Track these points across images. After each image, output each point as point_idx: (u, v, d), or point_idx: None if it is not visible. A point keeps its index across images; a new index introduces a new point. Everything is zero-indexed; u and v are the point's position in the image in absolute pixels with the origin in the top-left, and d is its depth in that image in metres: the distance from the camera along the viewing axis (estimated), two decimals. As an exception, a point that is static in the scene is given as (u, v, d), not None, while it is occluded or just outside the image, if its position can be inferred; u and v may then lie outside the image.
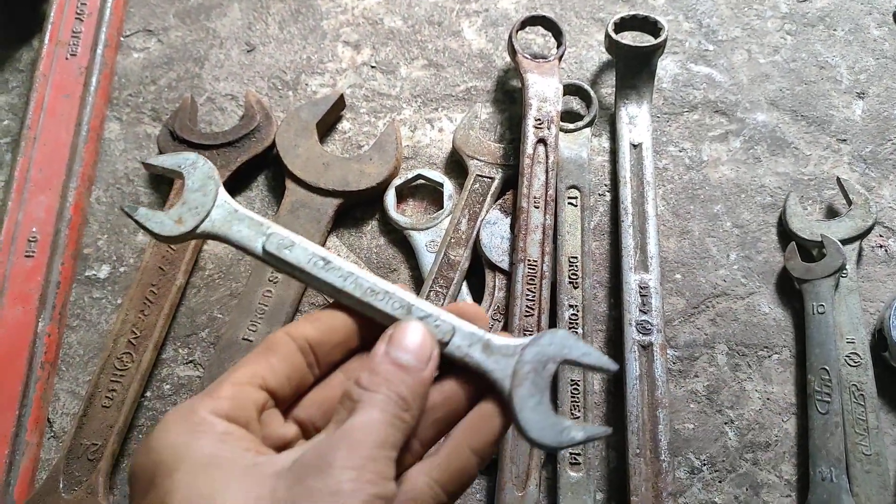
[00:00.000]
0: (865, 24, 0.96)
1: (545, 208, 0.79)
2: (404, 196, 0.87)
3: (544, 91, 0.84)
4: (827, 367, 0.73)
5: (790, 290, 0.80)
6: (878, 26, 0.96)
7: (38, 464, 0.73)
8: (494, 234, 0.80)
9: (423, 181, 0.86)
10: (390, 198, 0.84)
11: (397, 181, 0.85)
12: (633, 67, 0.88)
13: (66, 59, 0.91)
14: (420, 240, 0.82)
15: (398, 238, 0.84)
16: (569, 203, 0.82)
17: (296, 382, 0.44)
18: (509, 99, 0.92)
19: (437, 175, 0.85)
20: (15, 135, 0.90)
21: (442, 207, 0.84)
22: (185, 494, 0.36)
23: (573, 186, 0.83)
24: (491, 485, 0.71)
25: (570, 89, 0.89)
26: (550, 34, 0.91)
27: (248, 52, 0.97)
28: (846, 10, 0.97)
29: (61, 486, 0.68)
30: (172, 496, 0.36)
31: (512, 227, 0.80)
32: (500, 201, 0.83)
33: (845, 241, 0.78)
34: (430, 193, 0.87)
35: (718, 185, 0.86)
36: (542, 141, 0.82)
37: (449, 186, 0.85)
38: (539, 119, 0.82)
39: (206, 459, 0.38)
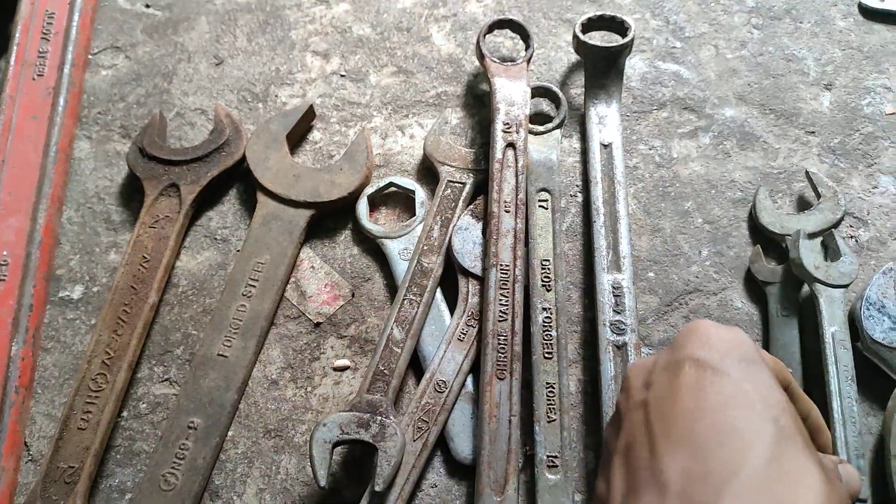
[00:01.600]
0: (831, 16, 0.97)
1: (516, 212, 0.79)
2: (377, 204, 0.87)
3: (512, 95, 0.84)
4: (790, 370, 0.74)
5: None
6: (844, 17, 0.96)
7: (16, 488, 0.72)
8: (466, 240, 0.80)
9: (394, 189, 0.86)
10: (363, 207, 0.84)
11: (369, 190, 0.85)
12: (601, 67, 0.88)
13: (34, 79, 0.91)
14: (393, 248, 0.82)
15: (372, 247, 0.84)
16: (540, 206, 0.82)
17: None
18: (479, 103, 0.93)
19: (408, 182, 0.85)
20: (-16, 157, 0.89)
21: (414, 215, 0.84)
22: None
23: (544, 189, 0.83)
24: (469, 490, 0.72)
25: (539, 91, 0.89)
26: (519, 37, 0.91)
27: (217, 65, 0.96)
28: (812, 2, 0.98)
29: (38, 510, 0.68)
30: None
31: (484, 232, 0.80)
32: (471, 207, 0.83)
33: (815, 234, 0.79)
34: (402, 201, 0.87)
35: (689, 182, 0.86)
36: (511, 145, 0.82)
37: (421, 193, 0.85)
38: (507, 123, 0.82)
39: None
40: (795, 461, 0.40)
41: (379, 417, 0.70)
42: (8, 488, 0.71)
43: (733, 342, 0.46)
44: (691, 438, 0.41)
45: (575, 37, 0.87)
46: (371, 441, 0.68)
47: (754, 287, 0.80)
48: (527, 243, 0.80)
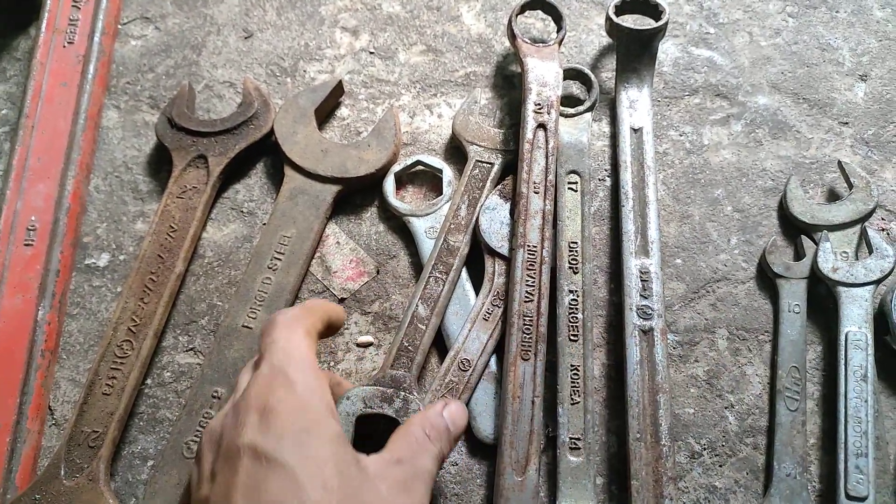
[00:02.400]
0: (868, 6, 0.95)
1: (545, 193, 0.78)
2: (403, 182, 0.86)
3: (544, 76, 0.84)
4: (797, 366, 0.74)
5: (791, 275, 0.79)
6: (882, 7, 0.95)
7: (40, 451, 0.73)
8: (494, 220, 0.80)
9: (422, 167, 0.86)
10: (389, 184, 0.84)
11: (396, 167, 0.85)
12: (633, 51, 0.87)
13: (64, 47, 0.90)
14: (419, 226, 0.82)
15: (397, 224, 0.84)
16: (569, 188, 0.81)
17: None
18: (508, 84, 0.92)
19: (436, 161, 0.85)
20: (13, 124, 0.90)
21: (441, 193, 0.83)
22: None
23: (573, 171, 0.82)
24: (490, 469, 0.71)
25: (571, 74, 0.89)
26: (550, 18, 0.90)
27: (246, 38, 0.96)
28: (849, -8, 0.96)
29: (62, 472, 0.68)
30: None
31: (511, 212, 0.80)
32: (499, 187, 0.82)
33: (846, 225, 0.78)
34: (429, 179, 0.86)
35: (719, 170, 0.86)
36: (541, 126, 0.81)
37: (448, 172, 0.84)
38: (539, 104, 0.82)
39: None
40: None
41: (402, 393, 0.70)
42: (32, 450, 0.72)
43: (294, 411, 0.47)
44: None
45: (608, 19, 0.86)
46: (394, 416, 0.68)
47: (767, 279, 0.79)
48: (555, 225, 0.79)
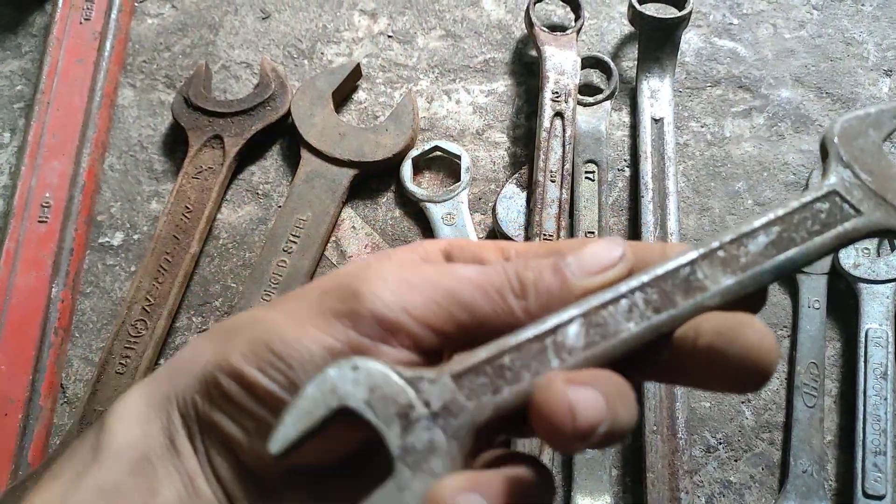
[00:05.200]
0: (894, 0, 0.94)
1: (561, 182, 0.77)
2: (420, 168, 0.86)
3: (562, 64, 0.83)
4: (816, 363, 0.73)
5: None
6: (909, 2, 0.93)
7: (52, 429, 0.73)
8: (510, 209, 0.79)
9: (439, 153, 0.85)
10: (407, 169, 0.83)
11: (414, 152, 0.84)
12: (656, 40, 0.86)
13: (80, 23, 0.90)
14: (436, 212, 0.81)
15: (414, 210, 0.83)
16: (586, 177, 0.80)
17: None
18: (528, 71, 0.91)
19: (454, 147, 0.84)
20: (28, 100, 0.89)
21: (458, 179, 0.83)
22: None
23: (591, 161, 0.81)
24: (504, 459, 0.71)
25: (591, 62, 0.88)
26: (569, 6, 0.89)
27: (264, 19, 0.95)
28: (875, -15, 0.95)
29: (75, 451, 0.68)
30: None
31: (528, 201, 0.79)
32: (516, 175, 0.81)
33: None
34: (446, 166, 0.86)
35: (740, 162, 0.85)
36: (559, 114, 0.80)
37: (466, 158, 0.83)
38: (556, 92, 0.81)
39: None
40: None
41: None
42: (44, 428, 0.72)
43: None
44: None
45: (630, 7, 0.85)
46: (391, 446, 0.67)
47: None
48: (571, 214, 0.78)
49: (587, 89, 0.88)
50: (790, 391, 0.73)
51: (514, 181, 0.81)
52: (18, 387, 0.71)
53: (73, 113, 0.85)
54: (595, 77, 0.90)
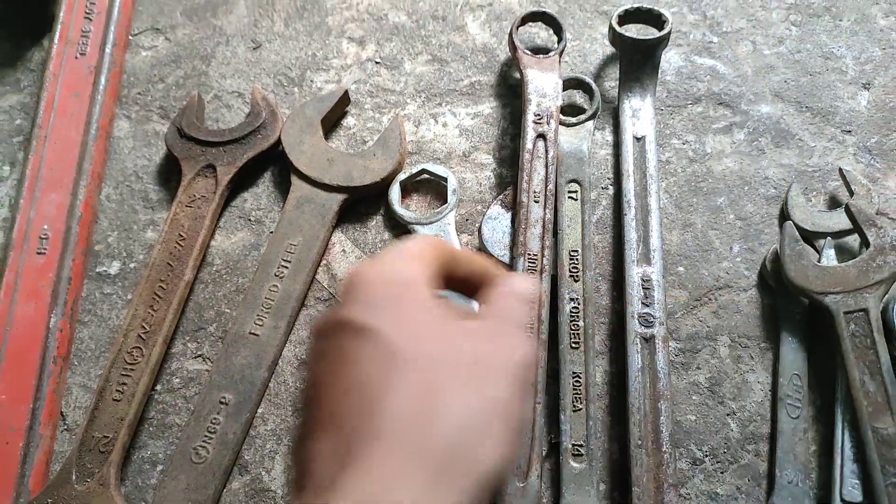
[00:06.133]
0: (872, 14, 0.95)
1: (545, 202, 0.79)
2: (408, 191, 0.88)
3: (544, 87, 0.85)
4: (799, 374, 0.74)
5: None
6: (885, 16, 0.95)
7: (52, 456, 0.75)
8: (496, 229, 0.81)
9: (427, 176, 0.87)
10: (395, 192, 0.85)
11: (402, 176, 0.86)
12: (636, 60, 0.88)
13: (76, 58, 0.92)
14: (424, 234, 0.83)
15: (403, 233, 0.85)
16: (569, 197, 0.82)
17: None
18: (512, 93, 0.93)
19: (441, 170, 0.86)
20: (27, 134, 0.92)
21: (445, 202, 0.84)
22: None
23: (574, 180, 0.83)
24: (494, 476, 0.72)
25: (573, 83, 0.90)
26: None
27: (255, 49, 0.98)
28: (852, 0, 0.96)
29: (74, 477, 0.69)
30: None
31: (513, 221, 0.81)
32: (500, 197, 0.83)
33: (847, 232, 0.79)
34: (434, 188, 0.88)
35: (722, 178, 0.86)
36: (541, 136, 0.82)
37: (453, 181, 0.85)
38: (538, 114, 0.83)
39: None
40: (434, 392, 0.39)
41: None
42: (45, 455, 0.74)
43: (380, 282, 0.44)
44: (334, 413, 0.40)
45: (611, 28, 0.87)
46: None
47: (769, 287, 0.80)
48: (555, 234, 0.80)
49: (570, 109, 0.90)
50: (774, 403, 0.75)
51: (499, 202, 0.83)
52: (19, 415, 0.73)
53: (69, 146, 0.87)
54: (578, 97, 0.92)
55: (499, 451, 0.39)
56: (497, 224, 0.81)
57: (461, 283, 0.50)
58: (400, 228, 0.85)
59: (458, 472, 0.37)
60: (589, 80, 0.89)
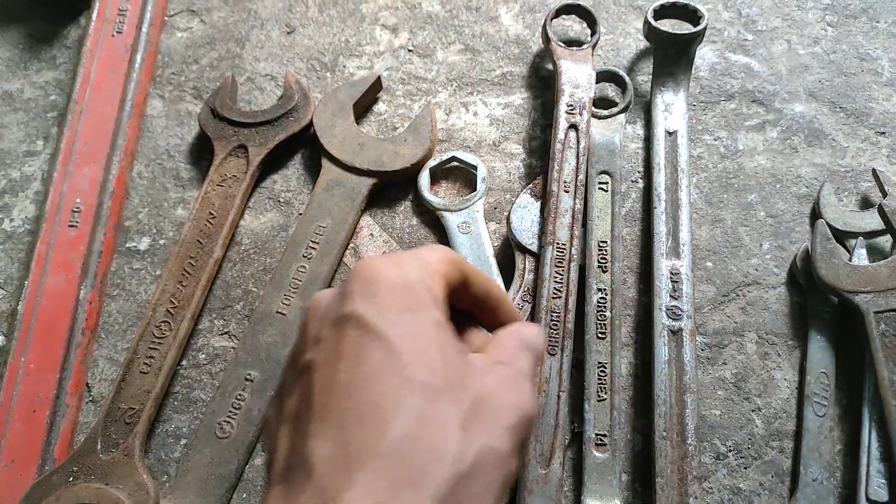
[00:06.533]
0: (909, 17, 0.95)
1: (575, 193, 0.79)
2: (437, 178, 0.88)
3: (577, 78, 0.85)
4: (826, 373, 0.74)
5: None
6: (923, 18, 0.94)
7: (77, 426, 0.75)
8: (525, 218, 0.81)
9: (456, 164, 0.87)
10: (424, 179, 0.85)
11: (431, 163, 0.86)
12: (671, 55, 0.88)
13: (112, 36, 0.93)
14: (452, 221, 0.83)
15: (430, 219, 0.85)
16: (599, 188, 0.82)
17: None
18: (544, 84, 0.93)
19: (470, 158, 0.86)
20: (62, 109, 0.93)
21: (475, 189, 0.84)
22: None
23: (604, 172, 0.83)
24: (516, 463, 0.72)
25: (606, 76, 0.89)
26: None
27: (288, 33, 0.98)
28: (889, 2, 0.96)
29: (99, 447, 0.70)
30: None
31: (542, 210, 0.81)
32: (530, 186, 0.83)
33: (879, 232, 0.78)
34: (463, 176, 0.88)
35: (753, 175, 0.86)
36: (573, 126, 0.82)
37: (482, 169, 0.85)
38: (571, 105, 0.83)
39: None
40: (439, 423, 0.39)
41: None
42: (70, 425, 0.74)
43: (399, 288, 0.44)
44: (340, 417, 0.39)
45: (646, 23, 0.87)
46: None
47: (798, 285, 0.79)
48: (584, 224, 0.80)
49: (602, 102, 0.90)
50: (800, 400, 0.74)
51: (529, 191, 0.83)
52: (46, 385, 0.74)
53: (104, 122, 0.88)
54: (610, 91, 0.92)
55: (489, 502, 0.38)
56: (526, 213, 0.81)
57: (469, 303, 0.50)
58: (428, 214, 0.85)
59: None
60: (622, 72, 0.89)
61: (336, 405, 0.39)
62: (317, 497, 0.36)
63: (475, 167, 0.86)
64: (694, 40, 0.86)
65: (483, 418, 0.40)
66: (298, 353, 0.45)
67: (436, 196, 0.85)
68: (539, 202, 0.82)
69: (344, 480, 0.36)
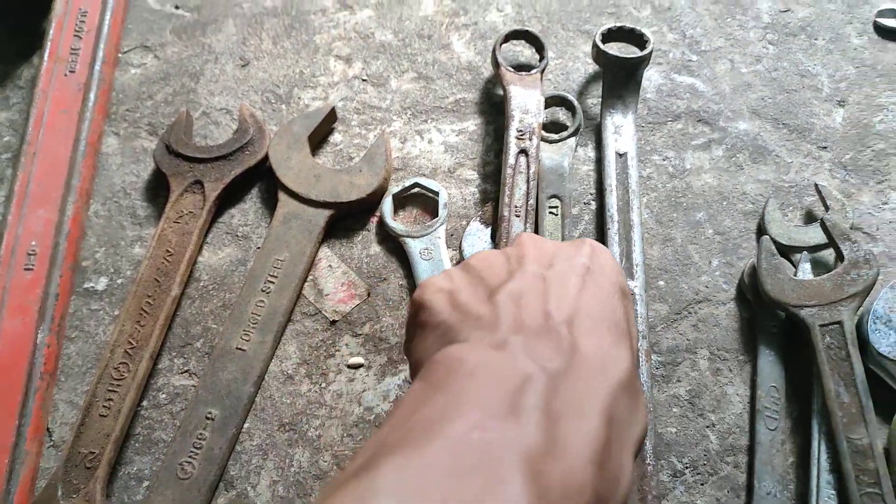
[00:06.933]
0: (846, 34, 0.98)
1: (526, 217, 0.81)
2: (396, 205, 0.89)
3: (526, 103, 0.86)
4: (776, 386, 0.76)
5: (771, 296, 0.81)
6: (859, 35, 0.98)
7: (38, 472, 0.75)
8: (475, 245, 0.82)
9: (416, 190, 0.88)
10: (387, 206, 0.86)
11: (394, 189, 0.87)
12: (619, 78, 0.90)
13: (65, 75, 0.93)
14: (415, 247, 0.84)
15: (390, 248, 0.86)
16: (550, 212, 0.83)
17: None
18: (496, 110, 0.95)
19: (433, 184, 0.87)
20: (15, 150, 0.92)
21: (436, 216, 0.86)
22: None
23: (554, 196, 0.84)
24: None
25: (556, 100, 0.91)
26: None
27: (243, 66, 0.99)
28: (827, 20, 0.99)
29: (60, 493, 0.70)
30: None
31: (493, 236, 0.82)
32: (479, 213, 0.85)
33: (822, 246, 0.80)
34: (421, 203, 0.89)
35: (701, 193, 0.88)
36: (523, 151, 0.84)
37: (444, 195, 0.87)
38: (521, 130, 0.85)
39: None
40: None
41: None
42: (30, 472, 0.74)
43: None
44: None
45: (594, 46, 0.89)
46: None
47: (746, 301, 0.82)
48: (540, 249, 0.81)
49: (554, 126, 0.92)
50: (752, 415, 0.76)
51: (478, 218, 0.84)
52: (5, 431, 0.73)
53: (58, 162, 0.88)
54: (561, 115, 0.93)
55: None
56: (476, 240, 0.83)
57: None
58: (386, 243, 0.86)
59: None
60: (571, 97, 0.91)
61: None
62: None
63: (437, 193, 0.87)
64: (641, 63, 0.89)
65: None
66: (514, 261, 0.54)
67: (397, 223, 0.86)
68: (489, 228, 0.84)
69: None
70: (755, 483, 0.72)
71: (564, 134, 0.88)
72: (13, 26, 1.01)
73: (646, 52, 0.88)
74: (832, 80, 0.95)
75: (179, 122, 0.90)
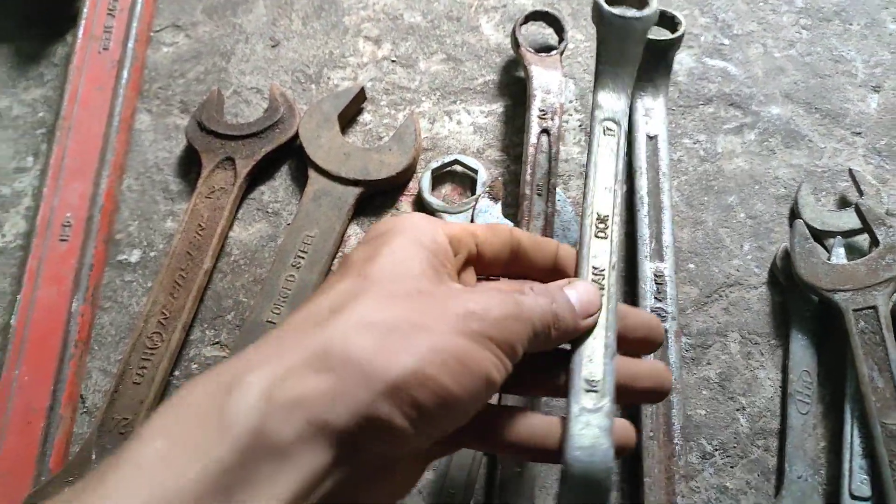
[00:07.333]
0: (881, 19, 0.97)
1: (547, 196, 0.81)
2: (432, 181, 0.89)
3: (548, 83, 0.86)
4: (808, 371, 0.75)
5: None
6: (895, 20, 0.96)
7: (72, 437, 0.76)
8: (488, 222, 0.83)
9: (457, 167, 0.88)
10: (426, 181, 0.86)
11: (433, 164, 0.87)
12: (650, 61, 0.89)
13: (99, 53, 0.94)
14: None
15: (419, 226, 0.86)
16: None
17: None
18: (524, 92, 0.94)
19: (472, 161, 0.88)
20: (50, 126, 0.93)
21: (469, 194, 0.86)
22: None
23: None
24: (491, 459, 0.73)
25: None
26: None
27: (273, 47, 0.99)
28: (862, 5, 0.98)
29: (94, 457, 0.71)
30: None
31: (503, 213, 0.83)
32: (487, 189, 0.85)
33: (856, 231, 0.80)
34: (458, 180, 0.89)
35: (732, 177, 0.87)
36: (545, 131, 0.84)
37: (483, 173, 0.87)
38: (543, 110, 0.85)
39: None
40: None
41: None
42: (64, 436, 0.75)
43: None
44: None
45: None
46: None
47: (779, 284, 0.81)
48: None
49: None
50: (784, 399, 0.75)
51: (486, 195, 0.84)
52: (41, 397, 0.74)
53: (92, 137, 0.89)
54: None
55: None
56: (488, 217, 0.83)
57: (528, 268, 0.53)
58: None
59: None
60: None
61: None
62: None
63: (476, 171, 0.87)
64: (672, 46, 0.88)
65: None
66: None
67: (435, 198, 0.86)
68: (499, 203, 0.84)
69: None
70: (786, 466, 0.72)
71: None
72: (48, 4, 1.02)
73: (677, 34, 0.87)
74: (867, 66, 0.94)
75: (211, 99, 0.91)
